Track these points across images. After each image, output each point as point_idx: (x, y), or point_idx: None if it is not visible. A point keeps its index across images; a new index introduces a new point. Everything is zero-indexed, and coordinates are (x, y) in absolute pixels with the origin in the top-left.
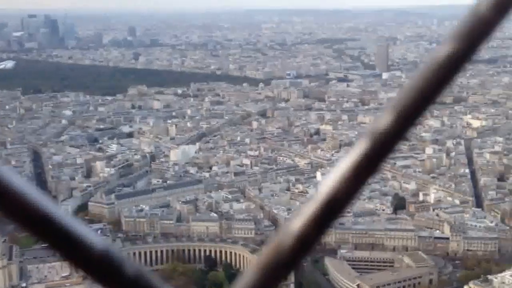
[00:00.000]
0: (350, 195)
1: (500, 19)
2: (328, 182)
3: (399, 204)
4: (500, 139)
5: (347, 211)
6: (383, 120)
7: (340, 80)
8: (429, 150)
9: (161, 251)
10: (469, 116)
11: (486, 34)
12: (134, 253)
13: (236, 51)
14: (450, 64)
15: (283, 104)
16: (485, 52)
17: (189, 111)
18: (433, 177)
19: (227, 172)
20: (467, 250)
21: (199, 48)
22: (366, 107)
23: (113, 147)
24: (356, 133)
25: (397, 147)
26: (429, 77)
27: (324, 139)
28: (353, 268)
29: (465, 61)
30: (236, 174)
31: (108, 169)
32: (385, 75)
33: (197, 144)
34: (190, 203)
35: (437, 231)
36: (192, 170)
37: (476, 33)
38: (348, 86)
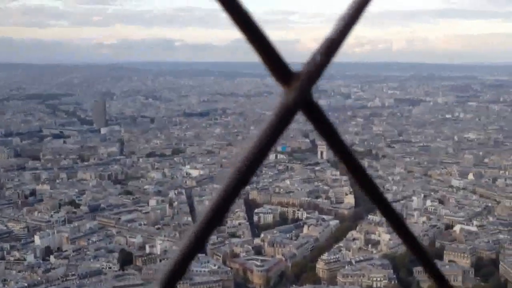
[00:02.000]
0: None
1: None
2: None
3: (126, 260)
4: (217, 186)
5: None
6: None
7: (56, 136)
8: (152, 202)
9: None
10: (188, 166)
11: None
12: None
13: None
14: None
15: None
16: (197, 106)
17: None
18: (158, 228)
19: None
20: None
21: None
22: (86, 163)
23: None
24: (77, 190)
25: None
26: None
27: (42, 200)
28: None
29: None
30: None
31: None
32: (103, 130)
33: None
34: None
35: None
36: None
37: None
38: (65, 142)
